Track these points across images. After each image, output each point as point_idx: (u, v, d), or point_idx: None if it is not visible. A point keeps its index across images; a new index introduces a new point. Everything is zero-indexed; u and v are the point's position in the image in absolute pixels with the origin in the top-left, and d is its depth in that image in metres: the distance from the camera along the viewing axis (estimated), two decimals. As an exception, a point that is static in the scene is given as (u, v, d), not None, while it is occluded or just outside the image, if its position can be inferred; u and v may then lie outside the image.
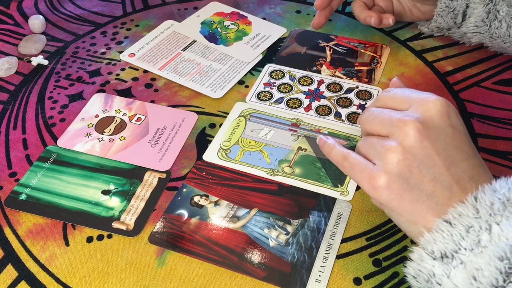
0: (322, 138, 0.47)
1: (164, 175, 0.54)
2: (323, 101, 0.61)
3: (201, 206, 0.51)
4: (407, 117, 0.40)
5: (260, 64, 0.67)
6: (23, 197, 0.52)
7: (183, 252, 0.47)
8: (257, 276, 0.45)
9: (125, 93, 0.64)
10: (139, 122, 0.60)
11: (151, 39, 0.71)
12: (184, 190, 0.52)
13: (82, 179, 0.54)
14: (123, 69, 0.67)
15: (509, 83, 0.63)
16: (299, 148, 0.56)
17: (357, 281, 0.45)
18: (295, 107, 0.60)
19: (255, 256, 0.47)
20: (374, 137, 0.43)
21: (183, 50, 0.69)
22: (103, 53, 0.70)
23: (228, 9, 0.76)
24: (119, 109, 0.61)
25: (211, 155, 0.55)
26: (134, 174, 0.54)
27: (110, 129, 0.59)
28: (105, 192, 0.52)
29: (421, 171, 0.39)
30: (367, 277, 0.45)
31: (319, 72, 0.65)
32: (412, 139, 0.39)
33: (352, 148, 0.55)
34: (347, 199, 0.51)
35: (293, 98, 0.62)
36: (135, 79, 0.66)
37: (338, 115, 0.59)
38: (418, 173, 0.39)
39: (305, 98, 0.61)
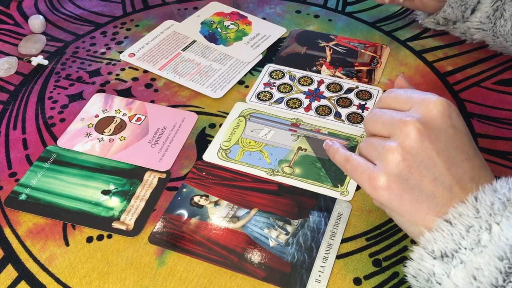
0: (328, 143, 0.47)
1: (164, 175, 0.54)
2: (323, 101, 0.61)
3: (201, 206, 0.51)
4: (408, 118, 0.40)
5: (260, 64, 0.67)
6: (23, 197, 0.52)
7: (183, 252, 0.47)
8: (257, 276, 0.45)
9: (125, 93, 0.64)
10: (139, 122, 0.60)
11: (151, 39, 0.71)
12: (184, 190, 0.52)
13: (82, 179, 0.54)
14: (123, 69, 0.67)
15: (509, 83, 0.63)
16: (299, 148, 0.56)
17: (357, 281, 0.45)
18: (295, 107, 0.60)
19: (255, 256, 0.47)
20: (375, 138, 0.43)
21: (183, 50, 0.69)
22: (103, 53, 0.70)
23: (228, 9, 0.76)
24: (119, 109, 0.61)
25: (211, 155, 0.55)
26: (134, 174, 0.54)
27: (110, 129, 0.59)
28: (105, 192, 0.52)
29: (421, 171, 0.39)
30: (367, 277, 0.45)
31: (319, 72, 0.65)
32: (412, 140, 0.39)
33: (352, 148, 0.55)
34: (347, 199, 0.51)
35: (293, 98, 0.62)
36: (135, 79, 0.66)
37: (338, 115, 0.59)
38: (418, 173, 0.39)
39: (305, 98, 0.61)
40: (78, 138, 0.58)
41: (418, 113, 0.41)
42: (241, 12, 0.76)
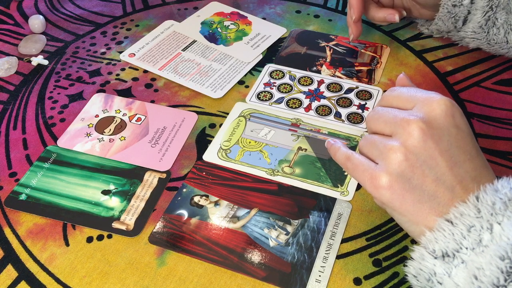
0: (329, 141, 0.47)
1: (164, 175, 0.54)
2: (323, 101, 0.61)
3: (201, 206, 0.51)
4: (411, 117, 0.40)
5: (260, 64, 0.67)
6: (23, 197, 0.52)
7: (183, 252, 0.47)
8: (257, 276, 0.45)
9: (125, 93, 0.64)
10: (139, 122, 0.59)
11: (151, 39, 0.71)
12: (184, 190, 0.52)
13: (82, 179, 0.54)
14: (123, 69, 0.67)
15: (509, 83, 0.63)
16: (299, 148, 0.56)
17: (357, 281, 0.45)
18: (295, 107, 0.60)
19: (255, 256, 0.47)
20: (376, 136, 0.43)
21: (183, 50, 0.69)
22: (103, 53, 0.70)
23: (228, 9, 0.76)
24: (119, 109, 0.61)
25: (211, 155, 0.55)
26: (134, 174, 0.54)
27: (110, 129, 0.59)
28: (105, 192, 0.52)
29: (423, 171, 0.39)
30: (367, 277, 0.45)
31: (319, 72, 0.65)
32: (415, 139, 0.39)
33: (352, 148, 0.55)
34: (347, 199, 0.51)
35: (293, 98, 0.61)
36: (135, 79, 0.66)
37: (338, 115, 0.59)
38: (421, 173, 0.39)
39: (305, 98, 0.61)
40: (78, 138, 0.58)
41: (421, 112, 0.40)
42: (241, 12, 0.76)
